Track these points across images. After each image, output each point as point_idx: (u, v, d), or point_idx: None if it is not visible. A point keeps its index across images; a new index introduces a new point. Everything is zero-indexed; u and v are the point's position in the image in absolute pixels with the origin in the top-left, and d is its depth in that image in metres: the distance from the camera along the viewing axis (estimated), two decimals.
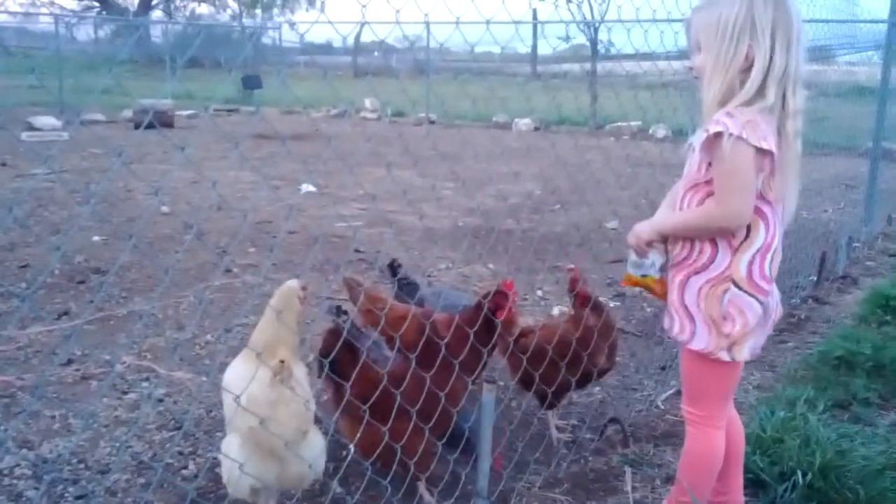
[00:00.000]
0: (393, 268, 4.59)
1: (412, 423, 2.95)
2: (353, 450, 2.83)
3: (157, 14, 41.67)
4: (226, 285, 6.13)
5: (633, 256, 2.73)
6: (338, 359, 3.00)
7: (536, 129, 17.97)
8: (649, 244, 2.66)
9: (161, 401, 4.15)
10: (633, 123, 16.82)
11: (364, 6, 2.62)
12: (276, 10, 42.80)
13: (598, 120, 17.64)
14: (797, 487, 3.17)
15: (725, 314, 2.51)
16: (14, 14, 35.73)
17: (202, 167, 7.08)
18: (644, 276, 2.72)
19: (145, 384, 4.35)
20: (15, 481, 3.34)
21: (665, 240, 2.68)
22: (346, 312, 3.44)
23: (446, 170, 9.81)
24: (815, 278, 6.44)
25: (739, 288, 2.49)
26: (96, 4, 40.73)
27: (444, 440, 3.19)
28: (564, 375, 3.57)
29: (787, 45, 2.41)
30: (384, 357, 3.41)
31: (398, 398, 2.88)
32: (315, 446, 2.85)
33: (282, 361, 2.70)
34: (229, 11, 43.73)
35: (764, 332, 2.61)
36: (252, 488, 2.77)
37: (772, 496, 3.19)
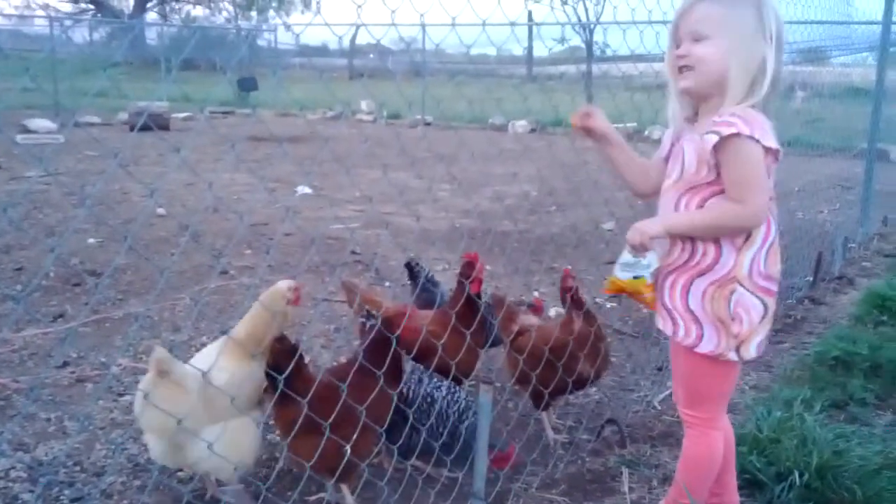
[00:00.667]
0: (411, 268, 4.59)
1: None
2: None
3: (152, 16, 41.66)
4: (222, 287, 6.12)
5: (625, 256, 2.65)
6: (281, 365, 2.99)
7: (532, 130, 17.98)
8: (653, 243, 2.60)
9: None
10: (628, 125, 16.84)
11: (360, 6, 2.62)
12: (271, 13, 42.82)
13: None
14: (794, 488, 3.16)
15: (734, 315, 2.50)
16: (9, 17, 35.72)
17: (198, 169, 7.07)
18: (636, 277, 2.63)
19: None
20: (10, 484, 3.33)
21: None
22: (374, 316, 3.45)
23: (443, 171, 9.82)
24: (812, 279, 6.45)
25: (745, 288, 2.49)
26: (91, 7, 40.71)
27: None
28: (561, 377, 3.57)
29: (780, 48, 2.45)
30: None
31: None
32: (231, 437, 2.93)
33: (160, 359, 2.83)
34: (224, 14, 43.76)
35: (766, 329, 2.62)
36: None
37: (769, 496, 3.19)
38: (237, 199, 9.73)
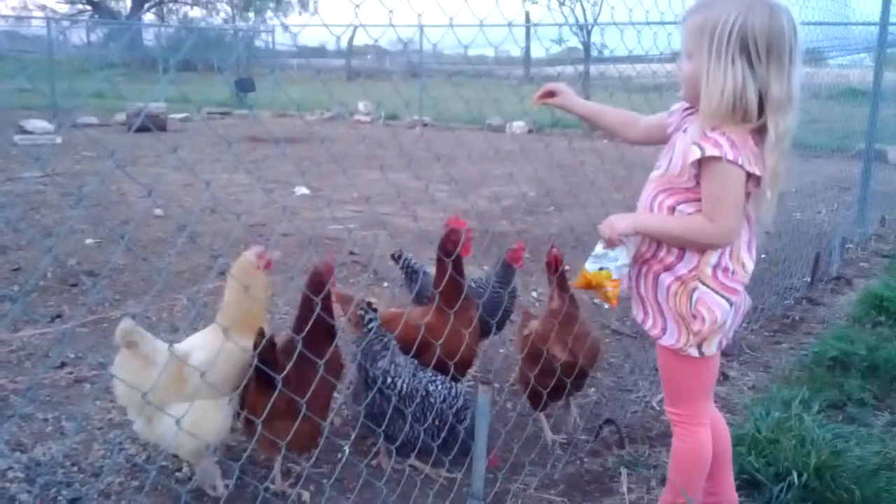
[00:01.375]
0: (395, 259, 4.73)
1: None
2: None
3: (149, 17, 41.64)
4: (219, 288, 6.07)
5: (598, 248, 2.67)
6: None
7: (530, 131, 17.99)
8: (621, 238, 2.61)
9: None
10: None
11: (357, 7, 2.62)
12: (269, 13, 42.80)
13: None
14: (792, 488, 3.17)
15: (695, 312, 2.54)
16: (6, 18, 35.70)
17: (195, 170, 7.06)
18: (601, 269, 2.64)
19: None
20: (8, 484, 3.33)
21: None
22: (375, 310, 3.46)
23: (440, 172, 9.79)
24: (809, 279, 6.45)
25: (707, 286, 2.52)
26: (88, 8, 40.67)
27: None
28: (558, 375, 3.56)
29: (781, 69, 2.36)
30: (395, 363, 3.40)
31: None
32: (198, 416, 2.95)
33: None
34: (222, 15, 43.74)
35: (732, 327, 2.65)
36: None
37: (767, 496, 3.19)
38: (235, 200, 9.72)
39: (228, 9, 43.15)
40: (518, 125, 18.17)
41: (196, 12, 44.54)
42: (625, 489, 3.43)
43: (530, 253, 7.08)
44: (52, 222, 8.13)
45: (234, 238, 7.42)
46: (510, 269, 4.33)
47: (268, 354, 3.03)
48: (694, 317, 2.55)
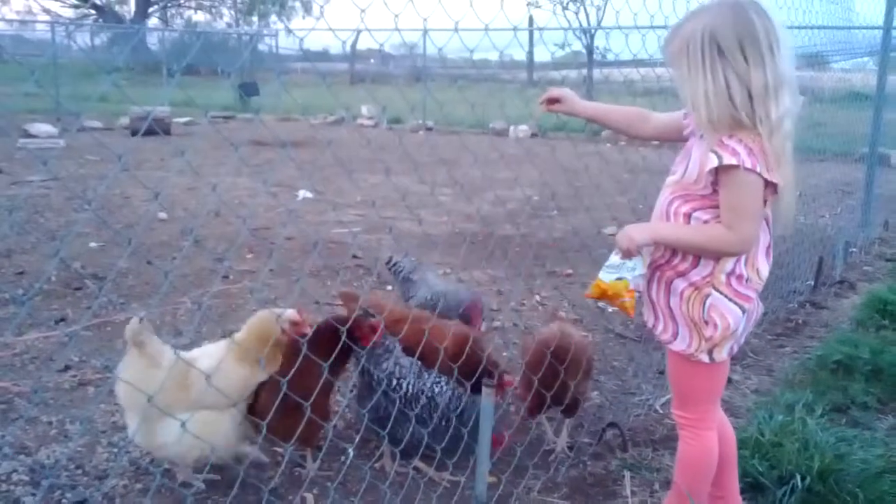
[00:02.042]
0: (388, 265, 4.81)
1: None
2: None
3: (153, 22, 41.72)
4: (223, 291, 6.12)
5: (613, 258, 2.66)
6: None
7: (534, 135, 17.99)
8: (640, 249, 2.61)
9: None
10: None
11: (363, 11, 2.63)
12: (273, 17, 42.86)
13: (596, 126, 17.66)
14: (796, 491, 3.17)
15: (707, 318, 2.54)
16: (10, 22, 35.79)
17: (200, 174, 7.08)
18: (619, 279, 2.63)
19: None
20: (12, 487, 3.33)
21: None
22: (373, 315, 3.47)
23: (444, 175, 9.82)
24: (813, 283, 6.45)
25: (720, 293, 2.52)
26: (93, 12, 40.77)
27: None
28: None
29: (761, 59, 2.37)
30: (400, 365, 3.42)
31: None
32: (200, 427, 2.92)
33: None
34: (226, 18, 43.82)
35: (744, 333, 2.65)
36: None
37: (771, 500, 3.19)
38: (239, 204, 9.73)
39: (232, 13, 43.25)
40: (522, 129, 18.18)
41: (200, 16, 44.71)
42: (628, 492, 3.44)
43: (534, 257, 7.11)
44: (57, 226, 8.15)
45: (238, 242, 7.44)
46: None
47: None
48: (706, 323, 2.55)
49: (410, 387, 3.31)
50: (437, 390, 3.32)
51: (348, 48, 28.98)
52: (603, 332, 5.47)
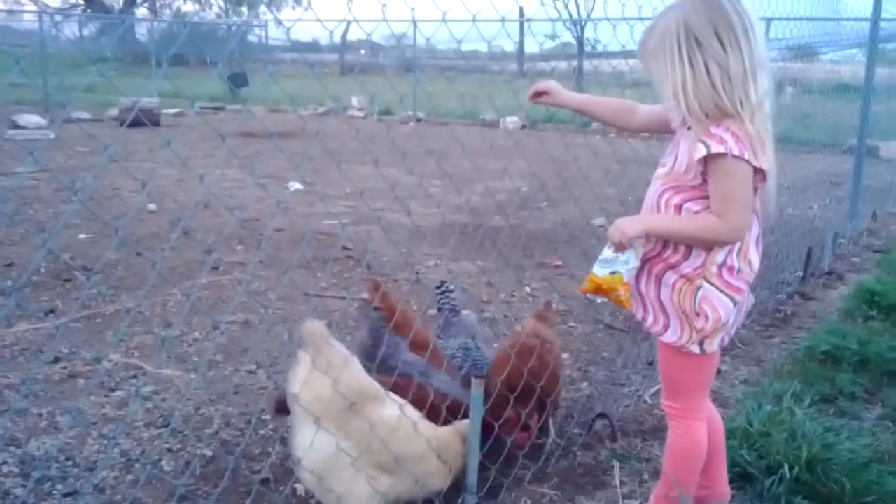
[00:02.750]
0: (439, 291, 4.40)
1: None
2: None
3: (141, 12, 41.46)
4: (213, 283, 6.12)
5: (606, 252, 2.66)
6: None
7: (524, 126, 17.99)
8: (632, 241, 2.61)
9: (148, 398, 4.14)
10: None
11: (350, 1, 2.62)
12: (262, 8, 42.67)
13: (585, 118, 17.67)
14: (784, 481, 3.18)
15: (699, 310, 2.55)
16: None
17: (189, 165, 7.06)
18: (613, 273, 2.63)
19: (133, 382, 4.34)
20: (2, 479, 3.33)
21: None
22: (377, 309, 3.47)
23: (434, 167, 9.80)
24: (801, 274, 6.48)
25: (712, 284, 2.53)
26: (81, 2, 40.49)
27: None
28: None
29: (737, 43, 2.39)
30: (404, 361, 3.42)
31: None
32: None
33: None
34: (215, 9, 43.59)
35: (735, 325, 2.67)
36: None
37: (759, 489, 3.21)
38: (228, 195, 9.71)
39: (221, 3, 43.03)
40: (512, 120, 18.17)
41: (189, 7, 44.39)
42: (617, 482, 3.45)
43: (523, 248, 7.13)
44: (46, 217, 8.12)
45: (227, 233, 7.43)
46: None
47: None
48: (698, 314, 2.55)
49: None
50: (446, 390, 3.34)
51: (336, 39, 28.92)
52: (592, 322, 5.49)
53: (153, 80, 18.37)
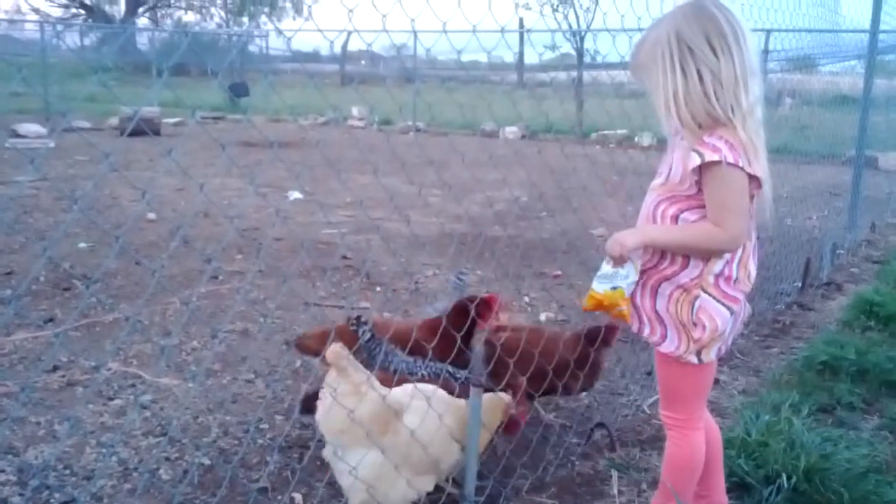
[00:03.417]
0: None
1: None
2: None
3: (143, 21, 41.52)
4: (212, 292, 6.12)
5: (605, 268, 2.65)
6: None
7: (523, 136, 18.02)
8: (631, 254, 2.62)
9: (147, 407, 4.14)
10: (619, 131, 16.91)
11: (350, 11, 2.64)
12: (263, 18, 42.73)
13: (585, 128, 17.73)
14: (782, 491, 3.19)
15: (696, 320, 2.55)
16: None
17: (189, 174, 7.06)
18: (614, 288, 2.63)
19: (131, 390, 4.33)
20: (0, 487, 3.33)
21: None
22: (365, 322, 3.50)
23: (433, 177, 9.82)
24: (800, 284, 6.49)
25: (709, 295, 2.54)
26: (82, 12, 40.58)
27: None
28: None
29: (728, 50, 2.41)
30: (402, 362, 3.48)
31: None
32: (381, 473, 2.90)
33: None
34: (216, 19, 43.66)
35: (732, 335, 2.67)
36: None
37: (757, 499, 3.21)
38: (228, 204, 9.72)
39: (222, 13, 43.09)
40: (511, 130, 18.20)
41: (190, 17, 44.45)
42: (616, 492, 3.45)
43: (522, 258, 7.13)
44: (46, 226, 8.13)
45: (226, 242, 7.43)
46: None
47: None
48: (695, 324, 2.56)
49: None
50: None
51: (336, 49, 28.94)
52: None
53: (154, 89, 18.39)
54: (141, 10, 41.83)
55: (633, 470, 3.61)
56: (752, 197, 2.50)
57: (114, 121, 17.13)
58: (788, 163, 7.01)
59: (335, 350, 2.92)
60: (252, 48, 29.15)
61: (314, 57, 31.76)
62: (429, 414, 2.96)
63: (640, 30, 3.82)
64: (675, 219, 2.56)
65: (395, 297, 6.16)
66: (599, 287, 2.66)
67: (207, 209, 8.63)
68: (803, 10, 6.97)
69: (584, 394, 4.45)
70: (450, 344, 3.42)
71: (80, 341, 5.04)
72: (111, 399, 4.21)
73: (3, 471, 3.44)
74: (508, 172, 10.93)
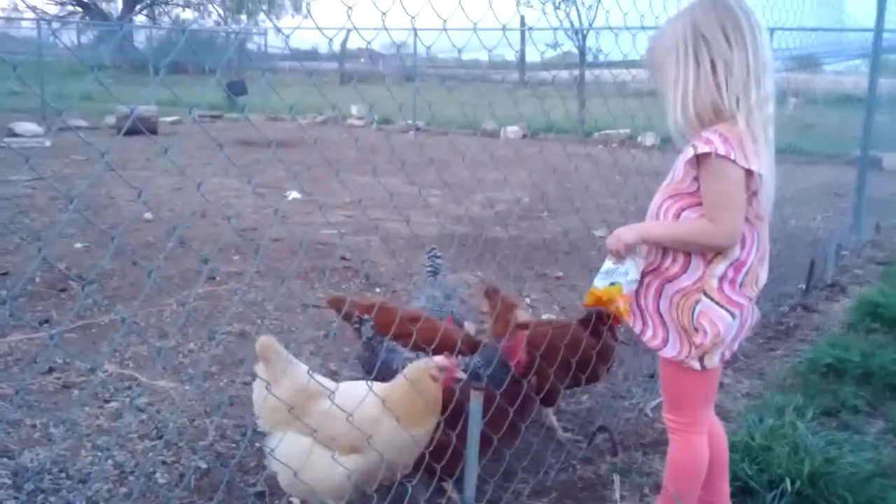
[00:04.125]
0: (428, 255, 4.87)
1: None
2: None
3: (140, 19, 41.49)
4: (209, 293, 6.07)
5: (607, 264, 2.68)
6: None
7: (524, 136, 17.97)
8: (628, 249, 2.62)
9: (143, 410, 4.10)
10: (621, 131, 16.86)
11: (350, 8, 2.59)
12: (261, 16, 42.70)
13: (587, 127, 17.68)
14: (786, 495, 3.16)
15: (697, 325, 2.52)
16: None
17: (186, 173, 7.01)
18: (612, 284, 2.64)
19: (127, 393, 4.29)
20: None
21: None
22: (367, 320, 3.47)
23: (434, 176, 9.78)
24: (804, 286, 6.45)
25: (711, 299, 2.50)
26: (79, 10, 40.55)
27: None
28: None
29: (743, 41, 2.41)
30: (403, 359, 3.44)
31: None
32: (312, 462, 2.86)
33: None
34: (214, 16, 43.62)
35: (737, 340, 2.63)
36: None
37: (760, 503, 3.18)
38: (225, 204, 9.68)
39: (220, 11, 43.06)
40: (512, 130, 18.16)
41: (188, 14, 44.43)
42: (618, 496, 3.41)
43: (524, 259, 7.08)
44: (41, 226, 8.08)
45: (224, 242, 7.39)
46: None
47: None
48: (696, 330, 2.52)
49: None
50: None
51: (336, 47, 28.91)
52: None
53: (151, 87, 18.34)
54: (138, 7, 41.78)
55: (636, 474, 3.57)
56: (754, 194, 2.46)
57: (110, 119, 17.09)
58: (792, 163, 6.96)
59: (262, 342, 2.94)
60: (250, 46, 29.12)
61: (313, 55, 31.71)
62: (351, 395, 2.90)
63: (642, 27, 3.79)
64: (677, 216, 2.55)
65: (394, 298, 6.11)
66: (600, 283, 2.68)
67: (205, 209, 8.58)
68: (807, 9, 6.93)
69: (585, 396, 4.42)
70: None
71: (76, 343, 5.00)
72: (107, 402, 4.17)
73: None
74: (509, 172, 10.88)
